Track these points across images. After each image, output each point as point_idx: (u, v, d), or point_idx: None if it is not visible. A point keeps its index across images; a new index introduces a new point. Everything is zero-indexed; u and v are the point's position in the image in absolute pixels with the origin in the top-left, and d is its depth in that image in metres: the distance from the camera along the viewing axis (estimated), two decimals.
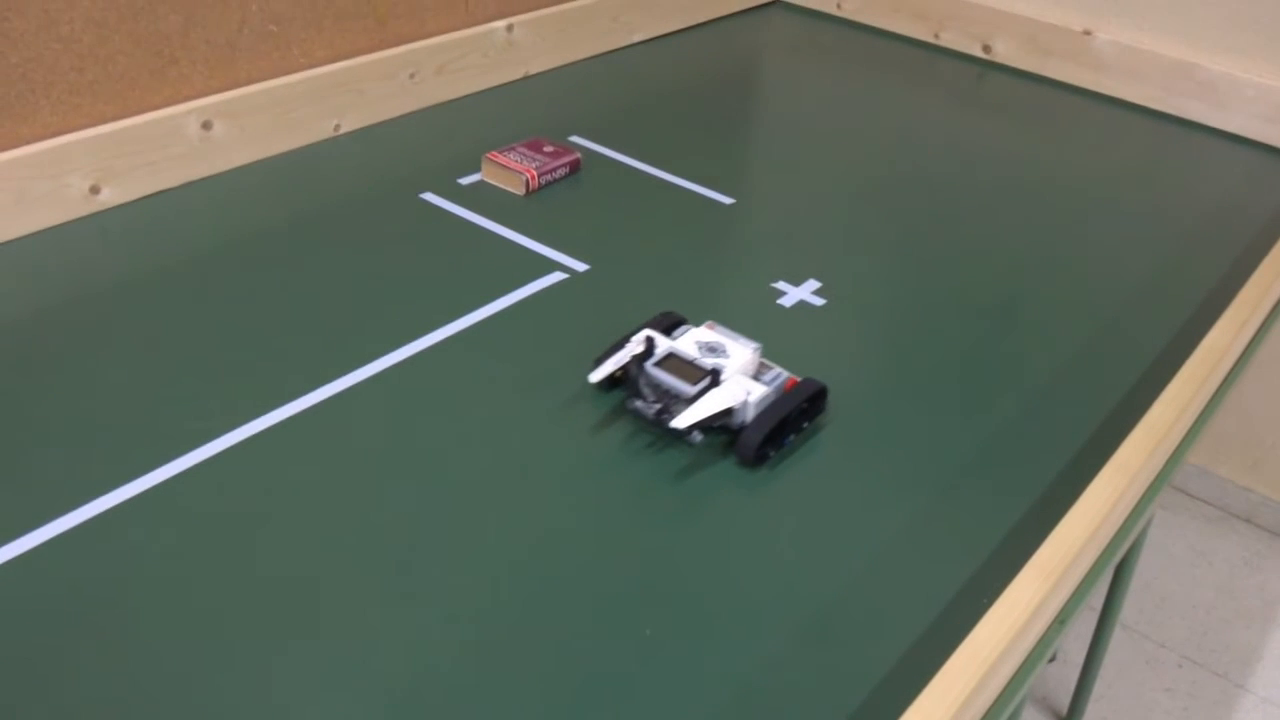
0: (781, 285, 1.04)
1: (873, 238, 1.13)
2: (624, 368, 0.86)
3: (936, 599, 0.72)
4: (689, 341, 0.86)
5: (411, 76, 1.30)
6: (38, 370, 0.86)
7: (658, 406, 0.82)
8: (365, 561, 0.72)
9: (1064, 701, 1.57)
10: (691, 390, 0.81)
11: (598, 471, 0.80)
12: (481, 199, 1.14)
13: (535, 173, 1.16)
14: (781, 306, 1.01)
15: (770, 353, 0.94)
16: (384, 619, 0.68)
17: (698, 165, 1.25)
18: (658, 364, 0.84)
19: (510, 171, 1.16)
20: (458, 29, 1.35)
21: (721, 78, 1.49)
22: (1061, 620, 0.76)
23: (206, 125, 1.12)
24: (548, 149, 1.20)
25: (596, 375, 0.85)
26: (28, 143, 1.01)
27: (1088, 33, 1.54)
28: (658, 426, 0.84)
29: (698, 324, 0.91)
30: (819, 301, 1.02)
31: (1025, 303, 1.04)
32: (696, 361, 0.84)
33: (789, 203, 1.19)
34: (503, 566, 0.72)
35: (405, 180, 1.16)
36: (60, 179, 1.03)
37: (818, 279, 1.06)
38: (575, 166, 1.21)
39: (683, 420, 0.79)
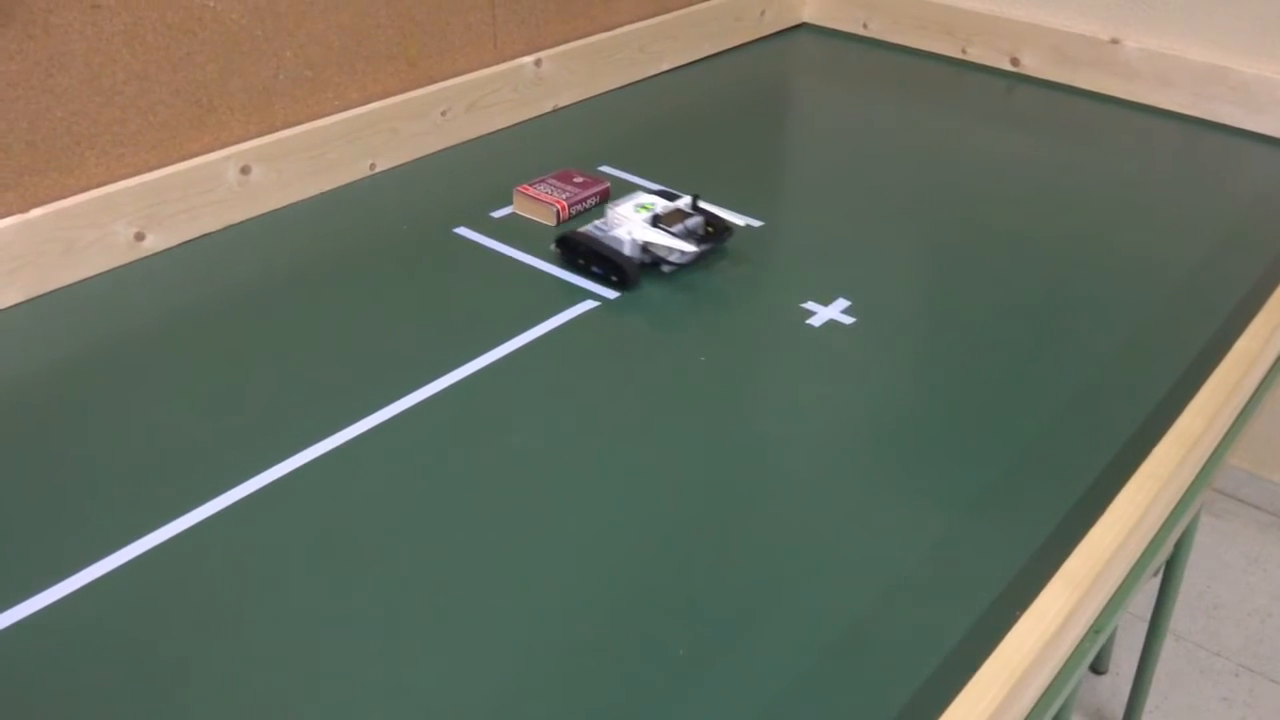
0: (811, 305, 1.05)
1: (903, 255, 1.14)
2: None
3: (969, 612, 0.73)
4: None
5: (443, 114, 1.33)
6: (87, 411, 0.89)
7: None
8: (403, 587, 0.73)
9: (1117, 714, 1.56)
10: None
11: (639, 495, 0.82)
12: (513, 231, 1.16)
13: (566, 204, 1.18)
14: (811, 326, 1.02)
15: (799, 372, 0.95)
16: (431, 645, 0.70)
17: (727, 189, 1.26)
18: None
19: (541, 204, 1.18)
20: (487, 66, 1.38)
21: (750, 102, 1.51)
22: (1097, 629, 0.76)
23: (245, 170, 1.16)
24: (578, 180, 1.23)
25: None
26: (74, 193, 1.05)
27: (1115, 41, 1.55)
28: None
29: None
30: (849, 320, 1.03)
31: (1058, 314, 1.05)
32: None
33: (818, 223, 1.20)
34: (552, 590, 0.74)
35: (439, 216, 1.19)
36: (106, 227, 1.06)
37: (847, 298, 1.07)
38: (605, 196, 1.23)
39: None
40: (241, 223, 1.17)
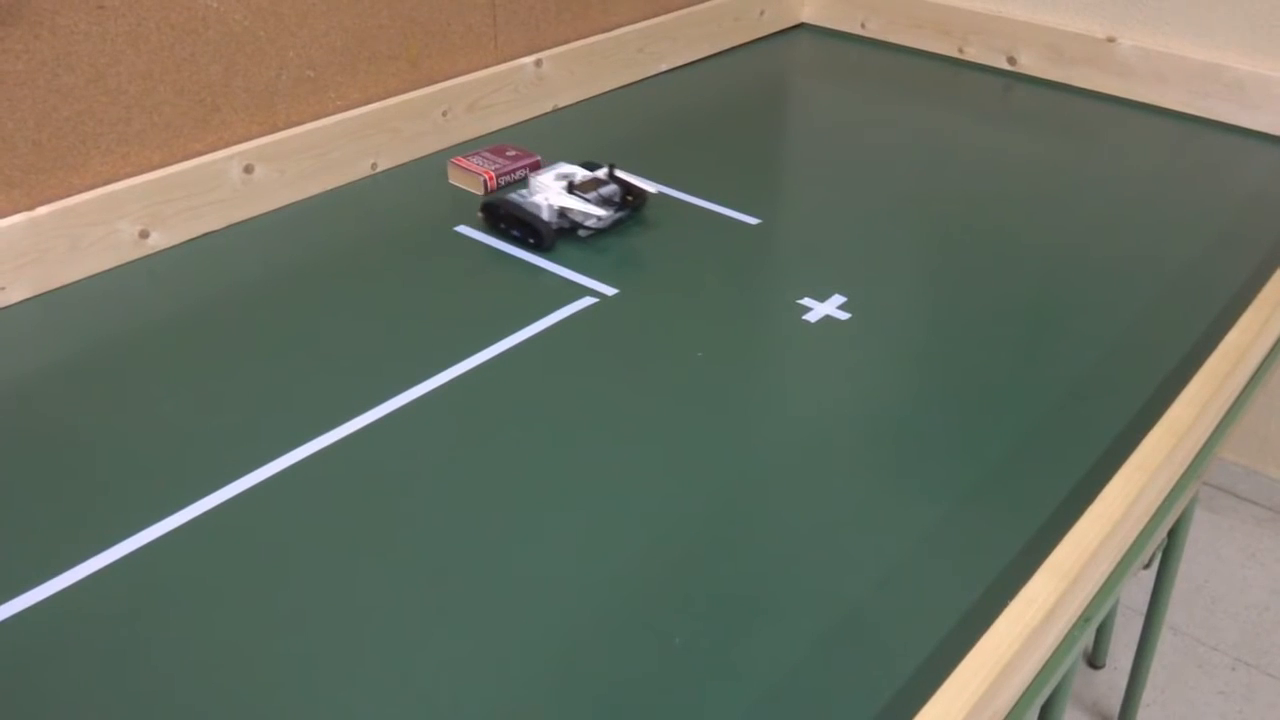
0: (807, 301, 1.06)
1: (899, 252, 1.16)
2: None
3: (959, 602, 0.74)
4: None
5: (444, 114, 1.34)
6: (92, 406, 0.90)
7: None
8: (403, 582, 0.75)
9: (1114, 708, 1.57)
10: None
11: (637, 489, 0.83)
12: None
13: (494, 174, 1.25)
14: (807, 322, 1.03)
15: (795, 367, 0.97)
16: (427, 639, 0.71)
17: (725, 188, 1.28)
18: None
19: (470, 174, 1.26)
20: (487, 66, 1.39)
21: (748, 101, 1.52)
22: (1087, 618, 0.77)
23: (248, 169, 1.17)
24: (510, 153, 1.30)
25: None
26: (79, 192, 1.06)
27: (1111, 40, 1.56)
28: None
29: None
30: (844, 316, 1.04)
31: (1052, 309, 1.06)
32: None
33: (815, 220, 1.21)
34: (545, 586, 0.75)
35: (440, 214, 1.20)
36: (111, 225, 1.08)
37: (843, 294, 1.08)
38: (535, 168, 1.29)
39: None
40: (244, 221, 1.18)
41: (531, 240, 1.14)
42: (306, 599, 0.73)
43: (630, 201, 1.18)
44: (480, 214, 1.18)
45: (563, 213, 1.15)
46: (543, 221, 1.14)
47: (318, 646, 0.70)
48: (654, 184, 1.21)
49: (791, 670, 0.69)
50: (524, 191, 1.17)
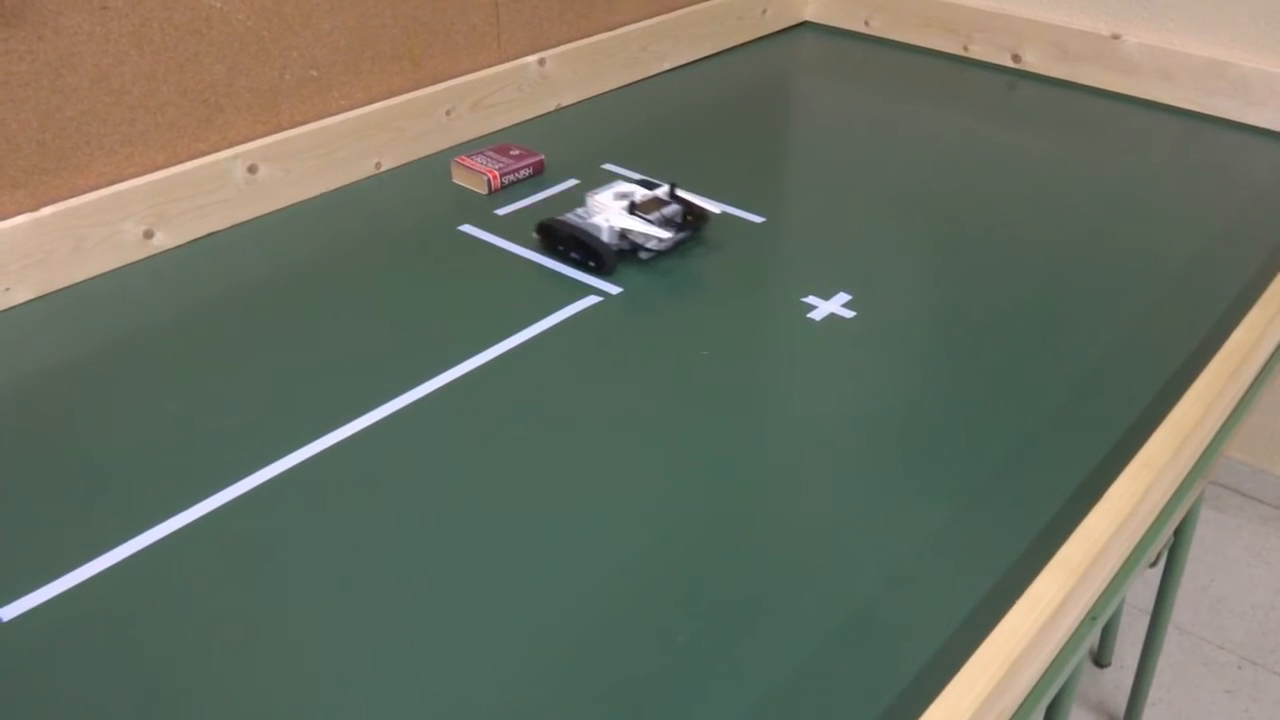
0: (811, 299, 1.06)
1: (903, 250, 1.15)
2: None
3: (965, 600, 0.74)
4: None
5: (448, 113, 1.34)
6: (96, 407, 0.90)
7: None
8: (407, 581, 0.75)
9: (1120, 707, 1.56)
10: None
11: (641, 488, 0.83)
12: (518, 228, 1.17)
13: (498, 174, 1.24)
14: (811, 320, 1.03)
15: (801, 365, 0.96)
16: (432, 638, 0.71)
17: (729, 186, 1.27)
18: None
19: (475, 173, 1.24)
20: (491, 65, 1.39)
21: (752, 100, 1.52)
22: (1094, 616, 0.77)
23: (252, 169, 1.17)
24: (514, 152, 1.29)
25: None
26: (83, 192, 1.06)
27: (1116, 37, 1.55)
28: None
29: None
30: (849, 314, 1.04)
31: (1057, 307, 1.06)
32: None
33: (820, 219, 1.21)
34: (544, 583, 0.75)
35: (444, 213, 1.20)
36: (115, 225, 1.08)
37: (848, 292, 1.08)
38: (539, 168, 1.29)
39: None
40: (249, 221, 1.18)
41: (592, 263, 1.10)
42: (311, 599, 0.73)
43: (691, 221, 1.15)
44: (536, 234, 1.14)
45: (623, 234, 1.11)
46: (603, 244, 1.09)
47: (322, 647, 0.70)
48: (717, 204, 1.17)
49: (796, 669, 0.68)
50: (581, 211, 1.13)
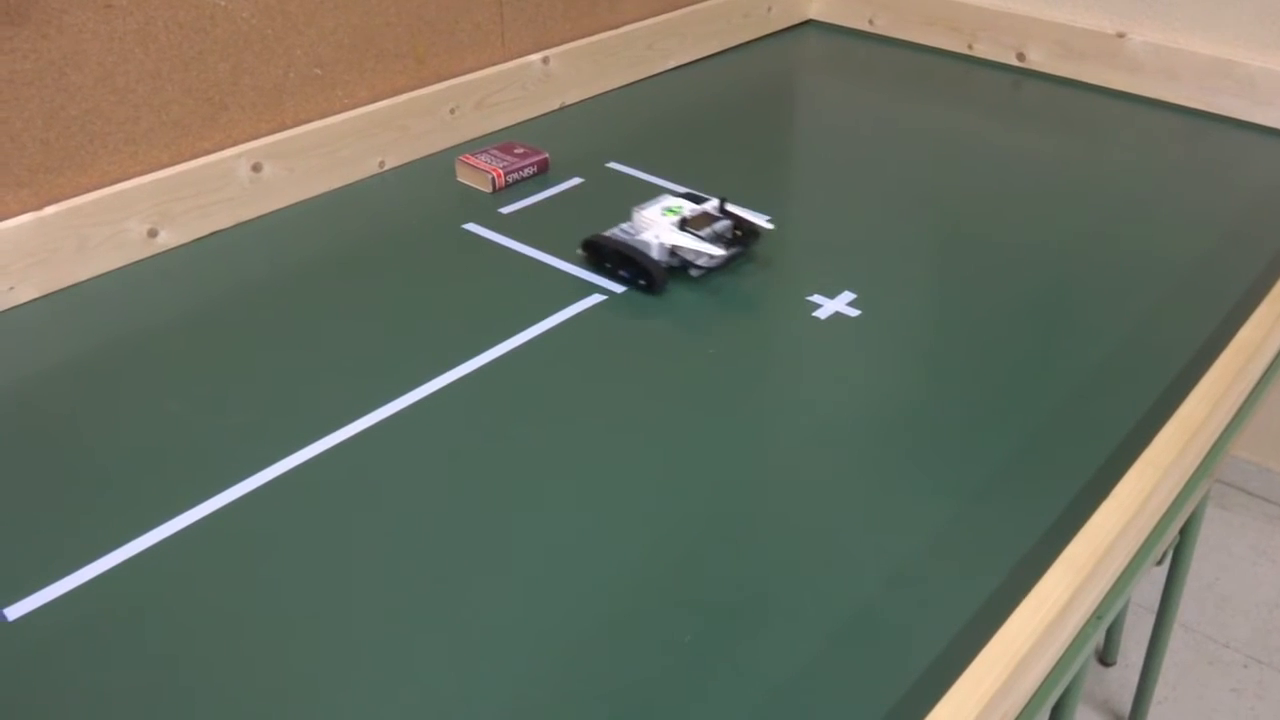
0: (816, 298, 1.06)
1: (908, 249, 1.15)
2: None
3: (971, 599, 0.74)
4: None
5: (452, 112, 1.34)
6: (101, 406, 0.90)
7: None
8: (411, 580, 0.75)
9: (1126, 706, 1.56)
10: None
11: (645, 487, 0.83)
12: (523, 227, 1.17)
13: (502, 172, 1.24)
14: (816, 319, 1.03)
15: (805, 364, 0.96)
16: (434, 637, 0.71)
17: (734, 185, 1.27)
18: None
19: (479, 171, 1.24)
20: (495, 64, 1.39)
21: (756, 99, 1.51)
22: (1100, 615, 0.77)
23: (256, 167, 1.17)
24: (518, 150, 1.29)
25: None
26: (87, 191, 1.06)
27: (1121, 35, 1.55)
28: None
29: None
30: (854, 313, 1.04)
31: (1062, 306, 1.05)
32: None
33: (824, 218, 1.21)
34: (544, 585, 0.75)
35: (448, 212, 1.20)
36: (119, 224, 1.08)
37: (853, 291, 1.07)
38: (543, 166, 1.29)
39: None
40: (253, 219, 1.18)
41: (642, 282, 1.07)
42: (313, 599, 0.73)
43: (740, 237, 1.11)
44: (581, 251, 1.11)
45: (673, 251, 1.08)
46: (653, 261, 1.06)
47: (324, 646, 0.70)
48: (766, 218, 1.13)
49: (800, 669, 0.68)
50: (627, 226, 1.11)
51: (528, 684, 0.67)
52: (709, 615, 0.72)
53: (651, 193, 1.25)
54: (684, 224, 1.08)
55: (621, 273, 1.08)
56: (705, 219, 1.09)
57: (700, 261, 1.08)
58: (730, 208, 1.12)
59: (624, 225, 1.11)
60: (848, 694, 0.67)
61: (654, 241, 1.07)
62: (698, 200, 1.13)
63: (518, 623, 0.71)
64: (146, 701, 0.66)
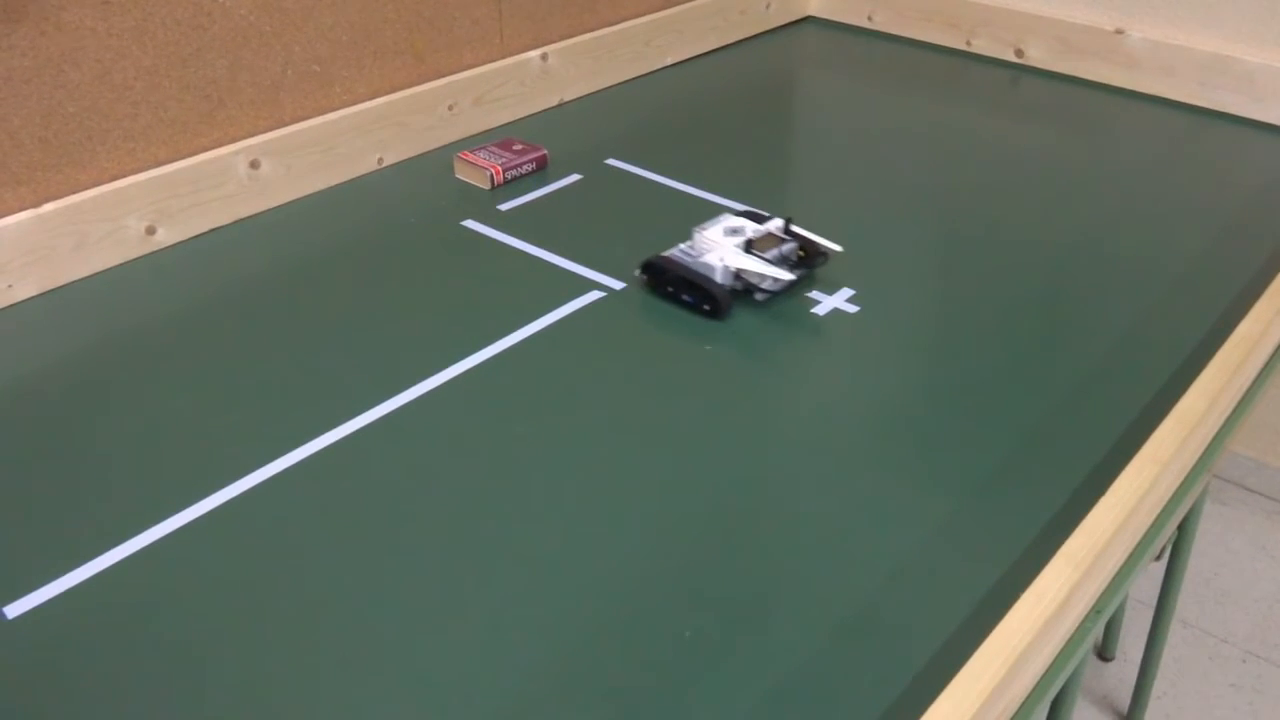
0: (815, 294, 1.06)
1: (907, 245, 1.15)
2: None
3: (971, 593, 0.74)
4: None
5: (450, 108, 1.34)
6: (100, 402, 0.90)
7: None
8: (412, 576, 0.75)
9: (1124, 700, 1.56)
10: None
11: (645, 484, 0.83)
12: (522, 224, 1.17)
13: (500, 169, 1.24)
14: (815, 315, 1.03)
15: (805, 360, 0.96)
16: (436, 632, 0.71)
17: (732, 181, 1.27)
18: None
19: (477, 168, 1.24)
20: (493, 60, 1.39)
21: (755, 95, 1.51)
22: (1099, 610, 0.77)
23: (255, 164, 1.17)
24: (516, 147, 1.29)
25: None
26: (86, 188, 1.06)
27: (1120, 31, 1.55)
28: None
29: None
30: (853, 309, 1.04)
31: (1061, 301, 1.05)
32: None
33: (823, 213, 1.21)
34: (556, 579, 0.75)
35: (447, 209, 1.20)
36: (117, 221, 1.08)
37: (851, 287, 1.07)
38: (541, 163, 1.29)
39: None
40: (251, 216, 1.18)
41: (706, 307, 1.02)
42: (317, 593, 0.73)
43: (803, 258, 1.06)
44: (640, 273, 1.07)
45: (737, 274, 1.03)
46: (718, 285, 1.01)
47: (327, 640, 0.70)
48: (834, 244, 1.09)
49: (801, 663, 0.68)
50: (687, 247, 1.05)
51: (529, 679, 0.67)
52: (711, 610, 0.72)
53: (650, 189, 1.25)
54: (749, 246, 1.04)
55: (684, 297, 1.04)
56: (770, 240, 1.05)
57: (765, 285, 1.04)
58: (796, 229, 1.07)
59: (684, 246, 1.06)
60: (848, 688, 0.67)
61: (718, 264, 1.02)
62: (759, 220, 1.09)
63: (519, 617, 0.71)
64: (147, 699, 0.66)
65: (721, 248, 1.04)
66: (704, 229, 1.06)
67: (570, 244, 1.13)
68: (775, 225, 1.07)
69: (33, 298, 1.04)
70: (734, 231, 1.05)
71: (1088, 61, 1.59)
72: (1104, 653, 1.64)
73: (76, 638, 0.70)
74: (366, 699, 0.66)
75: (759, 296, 1.05)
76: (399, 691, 0.66)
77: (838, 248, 1.07)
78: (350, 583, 0.74)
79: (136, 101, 1.08)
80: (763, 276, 1.02)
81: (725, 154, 1.34)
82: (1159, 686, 1.58)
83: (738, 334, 1.01)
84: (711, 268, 1.02)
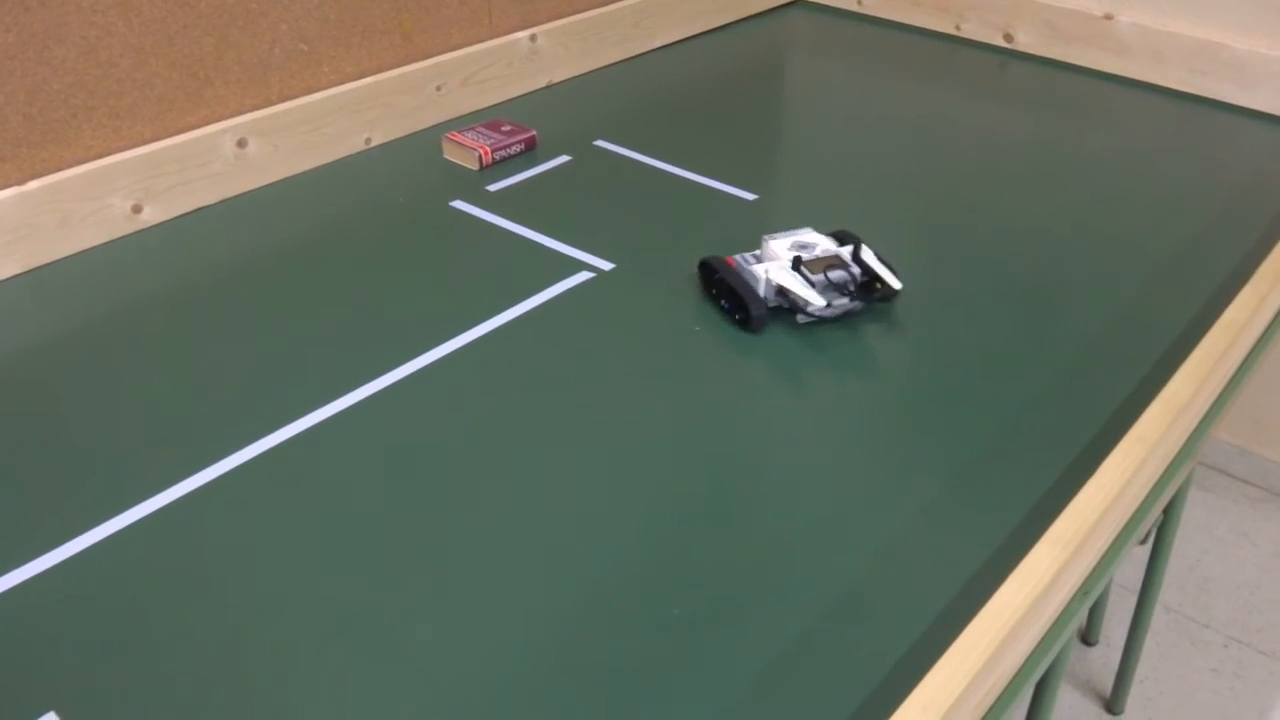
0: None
1: (895, 229, 1.15)
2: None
3: (959, 574, 0.74)
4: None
5: (438, 89, 1.33)
6: (84, 382, 0.90)
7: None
8: (399, 560, 0.74)
9: (1107, 684, 1.57)
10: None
11: (632, 466, 0.83)
12: (510, 205, 1.17)
13: (489, 149, 1.24)
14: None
15: (792, 343, 0.96)
16: (424, 617, 0.71)
17: (721, 164, 1.27)
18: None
19: (465, 149, 1.24)
20: (482, 41, 1.38)
21: (743, 78, 1.51)
22: (1085, 592, 0.77)
23: (241, 143, 1.16)
24: (505, 128, 1.29)
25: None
26: (71, 166, 1.06)
27: (1109, 17, 1.55)
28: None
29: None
30: None
31: (1050, 287, 1.06)
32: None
33: (811, 197, 1.21)
34: (534, 551, 0.75)
35: (435, 189, 1.20)
36: (103, 200, 1.07)
37: None
38: (530, 144, 1.28)
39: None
40: (238, 196, 1.18)
41: (739, 317, 0.98)
42: (303, 574, 0.73)
43: (863, 290, 0.99)
44: (699, 271, 1.05)
45: (780, 290, 0.98)
46: (757, 298, 0.97)
47: (317, 623, 0.69)
48: (898, 280, 1.01)
49: (789, 645, 0.68)
50: (751, 255, 1.02)
51: (520, 662, 0.67)
52: (700, 592, 0.72)
53: (639, 171, 1.25)
54: (798, 264, 0.98)
55: (723, 303, 1.00)
56: (823, 263, 0.99)
57: (808, 309, 0.96)
58: (866, 257, 1.00)
59: (748, 253, 1.02)
60: (835, 669, 0.67)
61: (763, 277, 0.98)
62: (842, 240, 1.05)
63: (510, 601, 0.71)
64: (127, 679, 0.66)
65: (778, 260, 0.99)
66: (774, 238, 1.01)
67: (559, 225, 1.13)
68: (845, 250, 1.01)
69: (16, 276, 1.03)
70: (801, 246, 1.00)
71: (1077, 47, 1.59)
72: (1088, 637, 1.64)
73: (52, 620, 0.69)
74: (353, 680, 0.66)
75: (800, 319, 0.99)
76: (388, 674, 0.66)
77: (898, 285, 0.99)
78: (337, 565, 0.74)
79: (122, 79, 1.07)
80: (801, 299, 0.96)
81: (713, 136, 1.34)
82: (1141, 671, 1.59)
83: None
84: (757, 279, 0.98)
